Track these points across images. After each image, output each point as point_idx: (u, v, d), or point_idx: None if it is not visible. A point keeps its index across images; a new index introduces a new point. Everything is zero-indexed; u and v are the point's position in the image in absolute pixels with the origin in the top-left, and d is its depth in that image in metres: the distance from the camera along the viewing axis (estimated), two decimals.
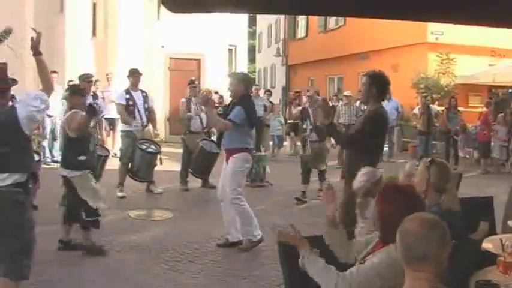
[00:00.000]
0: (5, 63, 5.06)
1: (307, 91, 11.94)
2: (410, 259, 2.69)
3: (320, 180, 11.44)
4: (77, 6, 19.97)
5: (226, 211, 7.87)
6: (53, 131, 15.12)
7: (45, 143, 15.13)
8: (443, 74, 21.05)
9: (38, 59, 5.19)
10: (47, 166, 13.69)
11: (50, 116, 14.97)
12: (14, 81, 5.12)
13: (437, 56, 21.34)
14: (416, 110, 18.40)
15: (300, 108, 12.52)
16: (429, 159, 4.66)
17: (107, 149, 10.92)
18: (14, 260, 4.94)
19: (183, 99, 12.59)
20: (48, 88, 5.30)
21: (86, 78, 10.83)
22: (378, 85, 6.29)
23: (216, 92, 17.40)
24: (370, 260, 3.42)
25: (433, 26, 20.61)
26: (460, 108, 17.79)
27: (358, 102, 15.66)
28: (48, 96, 5.20)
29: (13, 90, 7.23)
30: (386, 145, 18.47)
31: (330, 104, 19.41)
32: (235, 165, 7.61)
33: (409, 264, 2.71)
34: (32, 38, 5.20)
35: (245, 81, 7.94)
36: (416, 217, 2.78)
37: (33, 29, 5.29)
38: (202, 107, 10.57)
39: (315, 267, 3.51)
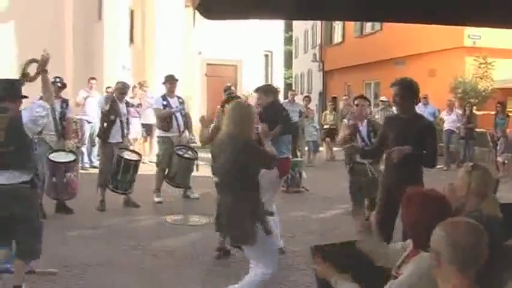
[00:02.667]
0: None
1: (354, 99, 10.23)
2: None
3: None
4: (114, 13, 20.18)
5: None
6: (91, 137, 15.28)
7: (84, 148, 15.31)
8: (481, 78, 20.81)
9: (44, 76, 5.88)
10: (84, 171, 13.86)
11: (89, 122, 15.17)
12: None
13: (475, 60, 21.11)
14: (442, 115, 18.18)
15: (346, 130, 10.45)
16: (471, 163, 4.59)
17: (139, 154, 11.02)
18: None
19: (219, 106, 12.62)
20: (49, 98, 6.05)
21: (119, 89, 10.91)
22: (415, 91, 6.11)
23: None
24: (402, 274, 3.37)
25: (470, 30, 20.43)
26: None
27: (394, 108, 15.53)
28: (49, 104, 5.96)
29: (63, 93, 7.92)
30: None
31: (371, 111, 19.35)
32: None
33: (436, 272, 2.68)
34: (42, 58, 5.84)
35: (271, 91, 8.16)
36: (447, 223, 2.71)
37: (44, 50, 5.83)
38: None
39: None
